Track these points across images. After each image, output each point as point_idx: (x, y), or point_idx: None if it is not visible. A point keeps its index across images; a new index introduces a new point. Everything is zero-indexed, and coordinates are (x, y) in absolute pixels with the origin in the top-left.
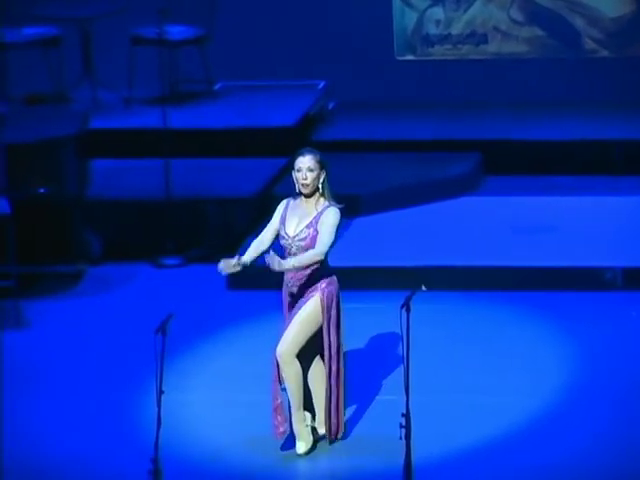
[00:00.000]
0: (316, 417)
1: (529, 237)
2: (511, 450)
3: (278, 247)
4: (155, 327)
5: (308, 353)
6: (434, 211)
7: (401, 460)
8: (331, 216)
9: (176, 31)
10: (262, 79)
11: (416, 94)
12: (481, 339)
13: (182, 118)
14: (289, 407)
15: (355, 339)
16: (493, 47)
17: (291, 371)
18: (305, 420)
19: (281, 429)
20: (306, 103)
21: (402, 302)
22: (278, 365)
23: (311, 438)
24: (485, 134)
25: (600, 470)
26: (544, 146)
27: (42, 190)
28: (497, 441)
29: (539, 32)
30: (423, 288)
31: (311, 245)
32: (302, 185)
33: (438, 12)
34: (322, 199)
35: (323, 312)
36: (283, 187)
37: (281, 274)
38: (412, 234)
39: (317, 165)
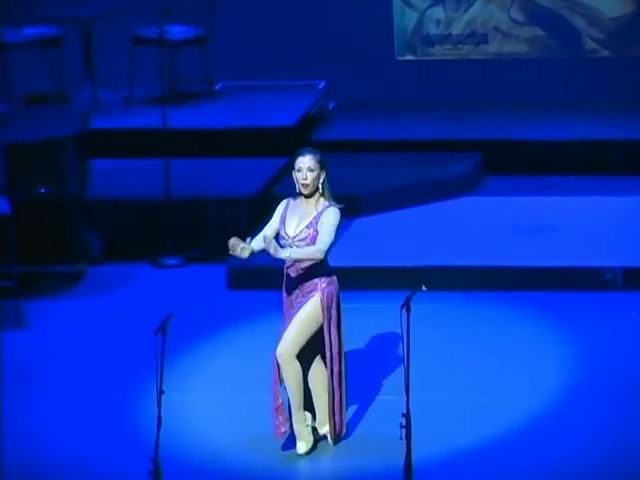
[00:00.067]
0: (316, 417)
1: (529, 237)
2: (511, 450)
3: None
4: (155, 327)
5: (308, 353)
6: (434, 211)
7: (401, 460)
8: (331, 216)
9: (176, 31)
10: (262, 79)
11: (416, 94)
12: (481, 339)
13: (182, 118)
14: (289, 407)
15: (355, 339)
16: (493, 47)
17: (291, 371)
18: (305, 420)
19: (282, 429)
20: (306, 103)
21: (402, 302)
22: (278, 365)
23: (311, 438)
24: (485, 134)
25: (600, 470)
26: (544, 146)
27: (42, 190)
28: (497, 441)
29: (539, 32)
30: (423, 288)
31: (311, 245)
32: (302, 185)
33: (438, 12)
34: (322, 199)
35: (323, 312)
36: (283, 187)
37: (281, 274)
38: (412, 234)
39: (317, 165)
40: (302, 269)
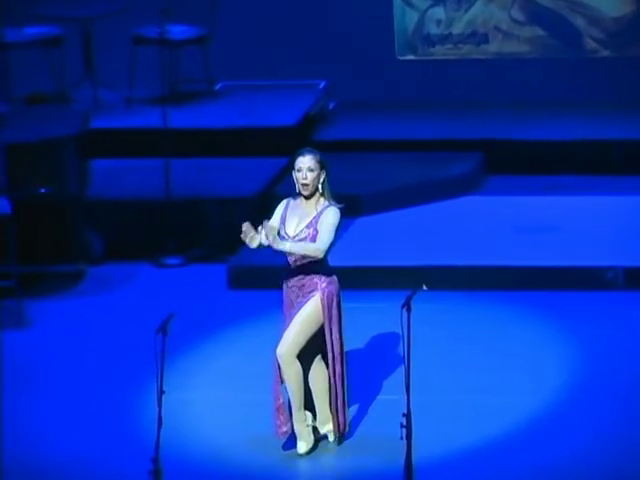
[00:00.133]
0: (317, 417)
1: (530, 237)
2: (512, 450)
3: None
4: (156, 327)
5: (309, 353)
6: (435, 211)
7: (402, 460)
8: (331, 216)
9: (177, 31)
10: (263, 79)
11: (417, 94)
12: (482, 339)
13: (183, 118)
14: (290, 407)
15: (356, 339)
16: (494, 47)
17: (292, 371)
18: (306, 420)
19: (284, 429)
20: (307, 103)
21: (403, 302)
22: (279, 365)
23: (312, 438)
24: (486, 134)
25: (601, 470)
26: (545, 146)
27: (43, 190)
28: (498, 441)
29: (540, 32)
30: (424, 288)
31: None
32: (302, 185)
33: (439, 12)
34: (322, 199)
35: (324, 311)
36: (284, 187)
37: (282, 274)
38: (413, 234)
39: (317, 165)
40: (302, 269)
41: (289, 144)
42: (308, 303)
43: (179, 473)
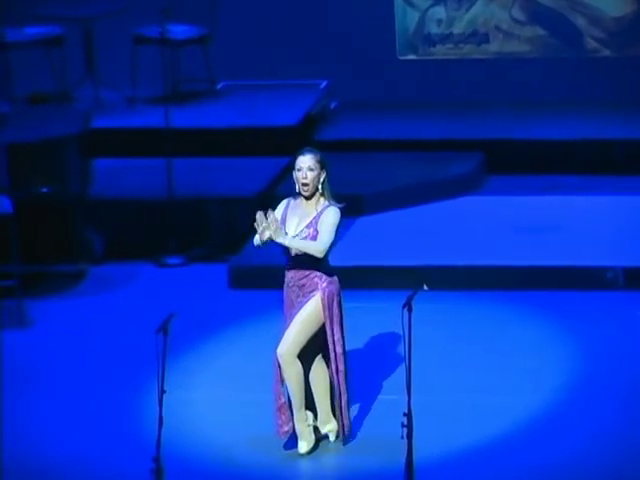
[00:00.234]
0: (318, 417)
1: (531, 236)
2: (512, 450)
3: (279, 247)
4: (157, 326)
5: (309, 353)
6: (436, 211)
7: (403, 459)
8: (331, 215)
9: (178, 30)
10: (264, 78)
11: (418, 94)
12: (483, 339)
13: (184, 117)
14: (291, 406)
15: (357, 338)
16: (495, 46)
17: (292, 371)
18: (307, 420)
19: (285, 428)
20: (308, 102)
21: (404, 301)
22: (279, 365)
23: (313, 437)
24: (487, 134)
25: (601, 470)
26: (546, 146)
27: (45, 189)
28: (498, 440)
29: (541, 31)
30: (425, 287)
31: None
32: (302, 184)
33: (440, 11)
34: (322, 199)
35: (324, 311)
36: (285, 186)
37: (282, 273)
38: (414, 234)
39: (317, 165)
40: (303, 269)
41: (290, 144)
42: (309, 303)
43: (180, 472)
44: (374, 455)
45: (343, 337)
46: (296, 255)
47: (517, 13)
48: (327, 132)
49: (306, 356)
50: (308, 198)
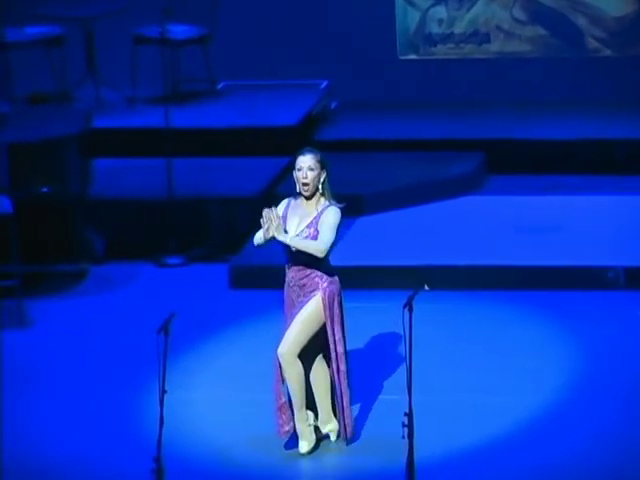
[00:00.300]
0: (319, 416)
1: (532, 236)
2: (514, 449)
3: (279, 246)
4: (158, 326)
5: (310, 352)
6: (437, 210)
7: (404, 459)
8: (331, 215)
9: (179, 30)
10: (265, 78)
11: (419, 93)
12: (484, 338)
13: (185, 117)
14: (292, 406)
15: (358, 338)
16: (496, 46)
17: (293, 371)
18: (308, 419)
19: (286, 428)
20: (309, 102)
21: (405, 301)
22: (280, 365)
23: (314, 437)
24: (488, 133)
25: (601, 470)
26: (547, 145)
27: (45, 189)
28: (499, 440)
29: (542, 31)
30: (426, 287)
31: None
32: (302, 184)
33: (441, 11)
34: (322, 199)
35: (325, 311)
36: (286, 186)
37: (283, 273)
38: (415, 234)
39: (317, 165)
40: (304, 268)
41: (290, 144)
42: (309, 303)
43: (181, 472)
44: (375, 455)
45: (344, 337)
46: (297, 255)
47: (518, 13)
48: (327, 132)
49: (307, 356)
50: (308, 198)
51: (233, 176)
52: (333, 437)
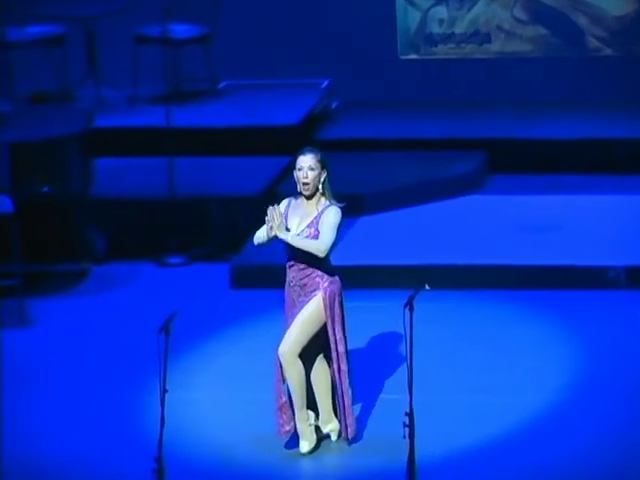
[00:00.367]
0: (319, 416)
1: (533, 236)
2: (515, 449)
3: (280, 246)
4: (159, 326)
5: (311, 352)
6: (438, 210)
7: (404, 459)
8: (332, 215)
9: (180, 30)
10: (266, 78)
11: (420, 93)
12: (485, 338)
13: (186, 117)
14: (292, 406)
15: (358, 338)
16: (496, 46)
17: (293, 371)
18: (308, 419)
19: (286, 427)
20: (310, 102)
21: (406, 301)
22: (281, 365)
23: (314, 437)
24: (489, 133)
25: (603, 469)
26: (548, 145)
27: (46, 189)
28: (501, 440)
29: (543, 31)
30: (427, 287)
31: None
32: (303, 184)
33: (441, 11)
34: (323, 199)
35: (326, 310)
36: (286, 186)
37: (284, 273)
38: (416, 233)
39: (318, 164)
40: (304, 268)
41: (292, 143)
42: (310, 302)
43: (182, 472)
44: (376, 454)
45: (345, 336)
46: (297, 254)
47: (519, 12)
48: (328, 131)
49: (307, 355)
50: (309, 198)
51: (234, 175)
52: (334, 437)
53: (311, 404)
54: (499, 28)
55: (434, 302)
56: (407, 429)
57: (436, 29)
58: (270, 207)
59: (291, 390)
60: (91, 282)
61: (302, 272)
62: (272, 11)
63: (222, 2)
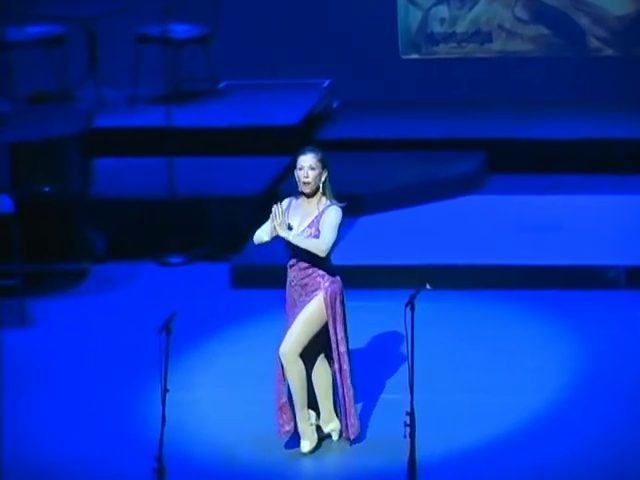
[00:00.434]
0: (321, 415)
1: (534, 236)
2: (515, 449)
3: (281, 245)
4: (159, 325)
5: (312, 352)
6: (438, 210)
7: (405, 458)
8: (332, 215)
9: (180, 30)
10: (266, 78)
11: (420, 93)
12: (485, 338)
13: (186, 117)
14: (293, 405)
15: (359, 337)
16: (498, 45)
17: (294, 370)
18: (309, 419)
19: (287, 427)
20: (310, 102)
21: (407, 300)
22: (282, 364)
23: (315, 437)
24: (490, 133)
25: (604, 469)
26: (548, 145)
27: (46, 189)
28: (501, 440)
29: (544, 30)
30: (427, 287)
31: None
32: (303, 183)
33: (443, 10)
34: (324, 198)
35: (327, 310)
36: (287, 186)
37: (285, 272)
38: (416, 233)
39: (318, 164)
40: (305, 268)
41: (292, 143)
42: (311, 302)
43: (183, 472)
44: (377, 454)
45: (346, 336)
46: (298, 254)
47: (520, 12)
48: (329, 131)
49: (309, 355)
50: (309, 197)
51: (234, 175)
52: (335, 436)
53: (312, 404)
54: (500, 27)
55: (434, 302)
56: (408, 429)
57: (437, 28)
58: (275, 205)
59: (292, 390)
60: (91, 282)
61: (303, 272)
62: (272, 11)
63: (222, 2)
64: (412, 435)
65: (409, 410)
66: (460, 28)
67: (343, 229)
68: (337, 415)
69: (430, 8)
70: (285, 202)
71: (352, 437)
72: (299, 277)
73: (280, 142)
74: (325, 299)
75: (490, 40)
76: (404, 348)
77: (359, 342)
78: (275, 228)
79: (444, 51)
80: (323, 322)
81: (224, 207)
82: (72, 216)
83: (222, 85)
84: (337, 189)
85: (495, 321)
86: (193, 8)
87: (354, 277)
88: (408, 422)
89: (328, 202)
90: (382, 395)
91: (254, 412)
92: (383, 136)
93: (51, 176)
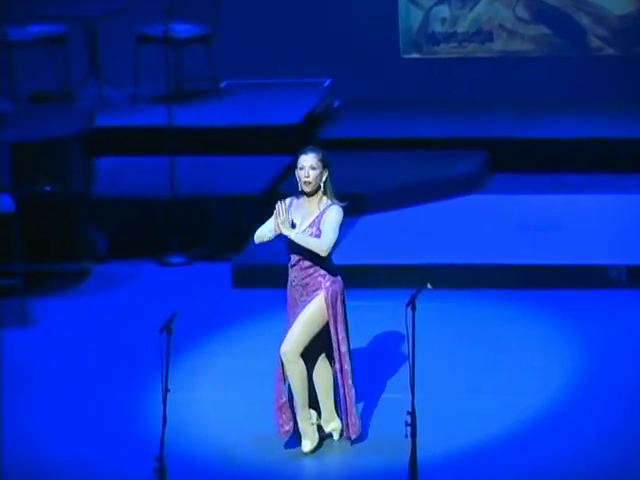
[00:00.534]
0: (322, 415)
1: (535, 235)
2: (517, 449)
3: (282, 245)
4: (160, 325)
5: (313, 351)
6: (440, 209)
7: (407, 458)
8: (333, 214)
9: (182, 29)
10: (267, 77)
11: (422, 92)
12: (486, 337)
13: (187, 116)
14: (293, 405)
15: (360, 337)
16: (499, 45)
17: (295, 370)
18: (310, 418)
19: (286, 427)
20: (312, 101)
21: (408, 300)
22: (282, 364)
23: (316, 436)
24: (491, 132)
25: (606, 469)
26: (550, 144)
27: (48, 188)
28: (503, 439)
29: (545, 30)
30: (429, 286)
31: None
32: (304, 183)
33: (444, 10)
34: (325, 198)
35: (328, 310)
36: (288, 185)
37: (286, 272)
38: (418, 232)
39: (319, 163)
40: (306, 268)
41: (293, 142)
42: (312, 302)
43: (184, 471)
44: (378, 454)
45: (347, 336)
46: (300, 253)
47: (521, 12)
48: (330, 131)
49: (310, 355)
50: (310, 197)
51: (236, 175)
52: (336, 436)
53: (313, 403)
54: (501, 27)
55: (435, 301)
56: (409, 428)
57: (438, 28)
58: (279, 202)
59: (293, 389)
60: (92, 281)
61: (304, 271)
62: (273, 10)
63: (223, 1)
64: (413, 435)
65: (410, 410)
66: (461, 28)
67: (344, 229)
68: (338, 415)
69: (431, 8)
70: (286, 202)
71: (353, 437)
72: (300, 277)
73: (281, 141)
74: (326, 299)
75: (491, 40)
76: (405, 348)
77: (360, 342)
78: (278, 225)
79: (445, 51)
80: (324, 322)
81: (225, 207)
82: (73, 216)
83: (223, 85)
84: (338, 189)
85: (496, 321)
86: (194, 8)
87: (355, 277)
88: (409, 422)
89: (329, 202)
90: (383, 395)
91: (254, 412)
92: (384, 136)
93: (52, 175)
